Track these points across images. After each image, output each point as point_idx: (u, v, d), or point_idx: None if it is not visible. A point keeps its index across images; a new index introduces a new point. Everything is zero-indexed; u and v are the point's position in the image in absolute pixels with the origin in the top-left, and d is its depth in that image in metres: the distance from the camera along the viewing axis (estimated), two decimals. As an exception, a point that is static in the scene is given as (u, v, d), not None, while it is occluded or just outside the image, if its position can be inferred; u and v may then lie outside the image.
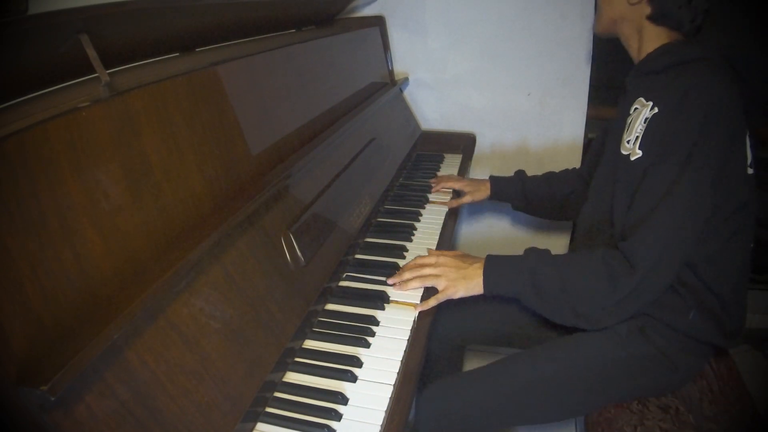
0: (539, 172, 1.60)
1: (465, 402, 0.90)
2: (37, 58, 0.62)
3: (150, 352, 0.54)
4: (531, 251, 0.91)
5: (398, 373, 0.76)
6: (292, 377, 0.76)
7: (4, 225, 0.46)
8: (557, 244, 1.67)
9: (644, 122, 0.86)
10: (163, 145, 0.65)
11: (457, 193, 1.33)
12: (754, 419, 0.90)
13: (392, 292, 0.94)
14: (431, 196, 1.31)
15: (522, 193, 1.31)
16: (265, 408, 0.70)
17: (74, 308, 0.51)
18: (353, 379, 0.75)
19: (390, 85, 1.52)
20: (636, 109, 0.90)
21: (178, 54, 0.96)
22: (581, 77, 1.47)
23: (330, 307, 0.90)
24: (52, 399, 0.43)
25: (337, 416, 0.69)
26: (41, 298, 0.48)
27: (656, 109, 0.84)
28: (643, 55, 0.92)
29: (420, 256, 0.98)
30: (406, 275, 0.94)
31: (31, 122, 0.51)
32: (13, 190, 0.47)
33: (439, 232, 1.16)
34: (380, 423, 0.68)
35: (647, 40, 0.92)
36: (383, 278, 0.96)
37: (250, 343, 0.67)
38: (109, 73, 0.62)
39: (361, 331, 0.83)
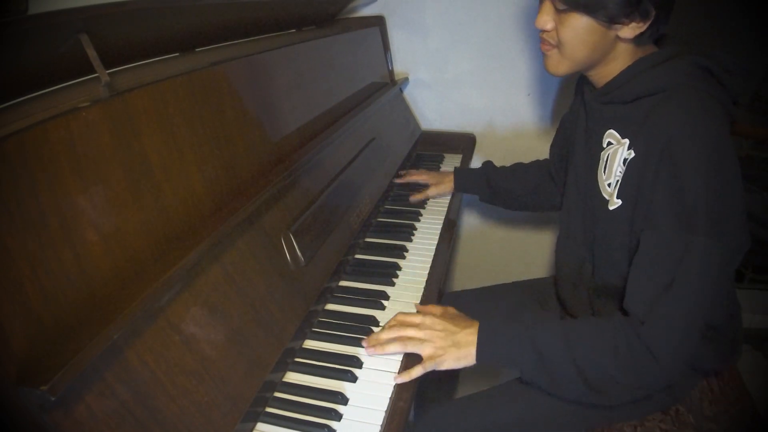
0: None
1: (463, 430, 0.89)
2: (37, 58, 0.62)
3: (150, 352, 0.54)
4: (534, 321, 0.81)
5: (398, 372, 0.76)
6: (292, 377, 0.76)
7: (4, 225, 0.46)
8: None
9: (623, 164, 0.78)
10: (163, 145, 0.65)
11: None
12: (754, 419, 0.90)
13: (392, 291, 0.93)
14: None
15: (487, 186, 1.26)
16: (265, 408, 0.70)
17: (74, 308, 0.51)
18: (353, 379, 0.75)
19: (390, 85, 1.52)
20: (610, 143, 0.82)
21: (178, 54, 0.96)
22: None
23: (330, 307, 0.90)
24: (52, 399, 0.43)
25: (337, 416, 0.69)
26: (41, 298, 0.48)
27: (633, 153, 0.76)
28: (610, 75, 0.82)
29: (403, 313, 0.85)
30: (384, 336, 0.81)
31: (31, 122, 0.51)
32: (13, 190, 0.47)
33: (439, 232, 1.16)
34: (380, 423, 0.68)
35: (615, 62, 0.81)
36: (384, 278, 0.96)
37: (250, 343, 0.67)
38: (109, 73, 0.62)
39: (361, 331, 0.83)
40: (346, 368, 0.76)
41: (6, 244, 0.46)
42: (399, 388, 0.74)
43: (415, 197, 1.28)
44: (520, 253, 1.73)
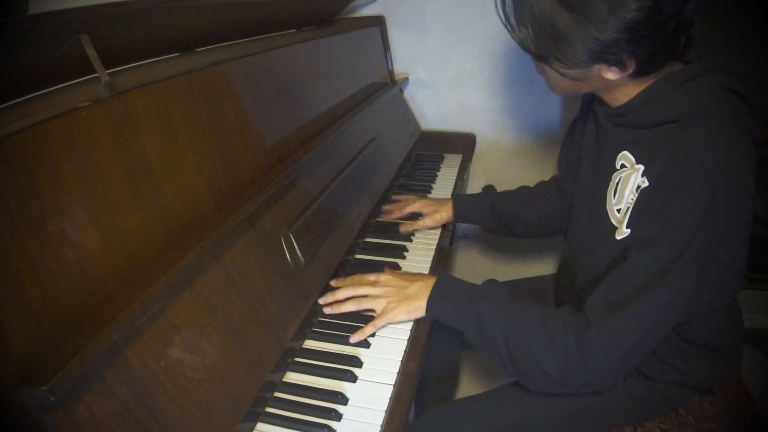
0: (540, 172, 1.61)
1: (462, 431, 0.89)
2: (37, 58, 0.62)
3: (150, 352, 0.54)
4: (485, 290, 0.81)
5: (398, 373, 0.76)
6: (292, 377, 0.76)
7: (4, 225, 0.46)
8: (555, 253, 1.67)
9: (636, 191, 0.73)
10: (163, 145, 0.65)
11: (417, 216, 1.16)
12: (754, 419, 0.90)
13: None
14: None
15: (491, 214, 1.14)
16: (265, 408, 0.70)
17: (74, 308, 0.51)
18: (353, 379, 0.75)
19: (390, 85, 1.52)
20: (623, 166, 0.78)
21: (178, 54, 0.96)
22: (581, 77, 1.47)
23: (330, 307, 0.90)
24: (52, 399, 0.43)
25: (337, 416, 0.69)
26: (41, 298, 0.48)
27: (646, 181, 0.72)
28: (624, 99, 0.76)
29: (360, 274, 0.90)
30: (340, 294, 0.86)
31: (31, 122, 0.51)
32: (13, 190, 0.47)
33: (439, 232, 1.16)
34: (380, 423, 0.68)
35: (621, 90, 0.76)
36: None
37: (250, 343, 0.67)
38: (109, 73, 0.62)
39: (361, 331, 0.83)
40: (346, 368, 0.76)
41: (6, 244, 0.46)
42: (399, 388, 0.74)
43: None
44: (520, 251, 1.73)
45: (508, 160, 1.64)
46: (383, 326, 0.83)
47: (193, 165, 0.70)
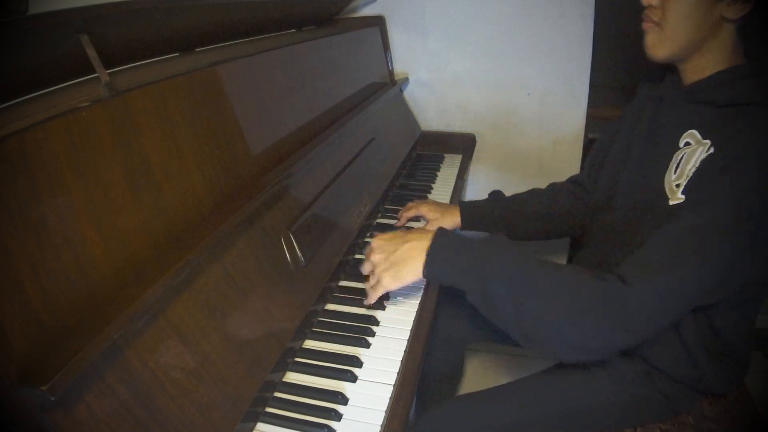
0: (539, 173, 1.61)
1: (463, 430, 0.89)
2: (37, 58, 0.62)
3: (150, 352, 0.54)
4: (490, 248, 0.78)
5: (398, 373, 0.76)
6: (292, 377, 0.76)
7: (4, 225, 0.46)
8: (562, 245, 1.67)
9: (697, 163, 0.75)
10: (163, 145, 0.65)
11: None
12: (754, 419, 0.90)
13: (392, 291, 0.93)
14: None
15: (502, 221, 1.13)
16: (265, 408, 0.70)
17: (74, 308, 0.51)
18: (353, 379, 0.75)
19: (390, 85, 1.52)
20: (688, 143, 0.79)
21: (178, 54, 0.96)
22: (581, 77, 1.47)
23: (330, 307, 0.90)
24: (52, 399, 0.43)
25: (337, 416, 0.69)
26: (41, 298, 0.48)
27: (712, 150, 0.73)
28: (700, 75, 0.81)
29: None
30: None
31: (31, 122, 0.51)
32: (13, 190, 0.47)
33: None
34: (380, 423, 0.68)
35: (712, 54, 0.80)
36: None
37: (250, 343, 0.67)
38: (109, 73, 0.62)
39: (361, 331, 0.83)
40: (346, 368, 0.76)
41: (6, 245, 0.46)
42: (399, 388, 0.74)
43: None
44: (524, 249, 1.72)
45: (507, 160, 1.64)
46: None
47: (193, 165, 0.70)
